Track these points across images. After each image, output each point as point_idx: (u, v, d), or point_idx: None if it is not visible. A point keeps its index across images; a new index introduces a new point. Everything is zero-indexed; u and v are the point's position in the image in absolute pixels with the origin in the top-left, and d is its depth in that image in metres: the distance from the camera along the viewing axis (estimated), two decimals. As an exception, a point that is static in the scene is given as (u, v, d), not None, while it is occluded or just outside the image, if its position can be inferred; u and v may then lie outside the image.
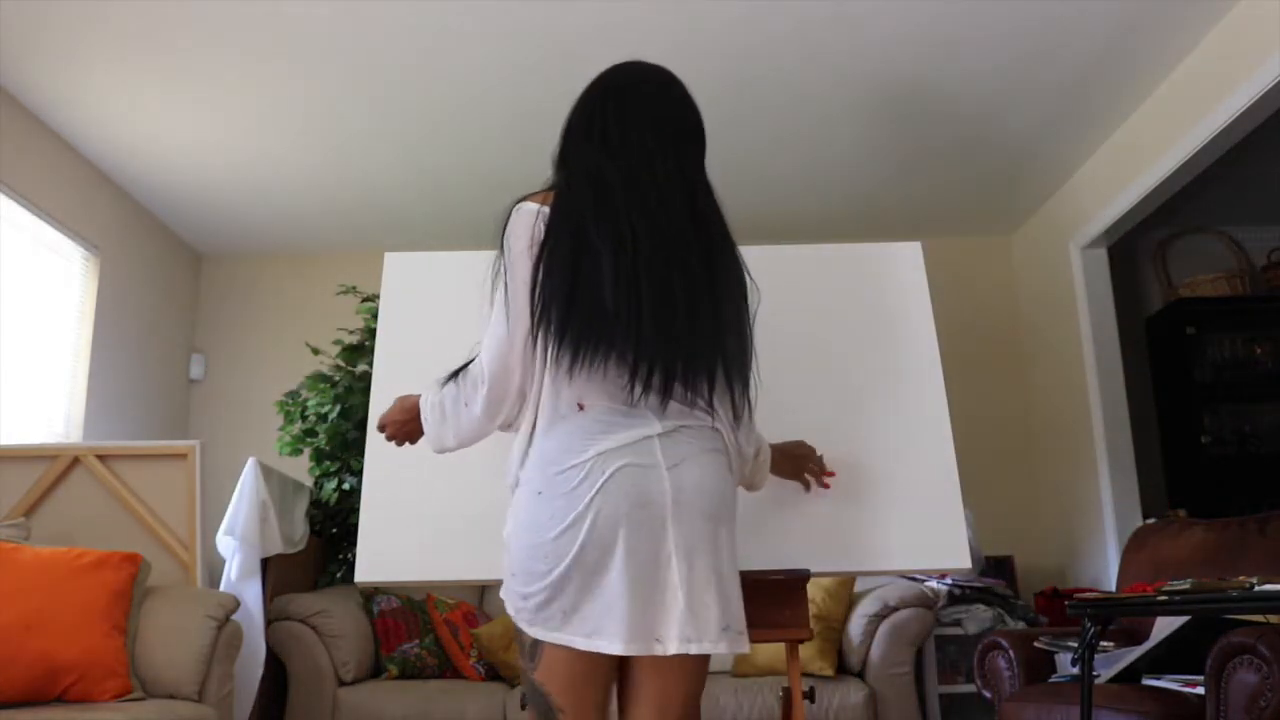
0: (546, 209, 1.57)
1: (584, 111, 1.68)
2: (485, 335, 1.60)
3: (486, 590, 4.07)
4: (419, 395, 1.74)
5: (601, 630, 1.45)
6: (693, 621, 1.45)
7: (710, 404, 1.57)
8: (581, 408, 1.53)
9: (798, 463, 2.01)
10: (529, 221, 1.57)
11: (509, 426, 1.64)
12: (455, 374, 1.67)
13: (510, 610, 1.53)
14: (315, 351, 4.21)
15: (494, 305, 1.59)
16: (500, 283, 1.59)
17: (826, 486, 2.06)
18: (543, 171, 1.73)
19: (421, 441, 1.75)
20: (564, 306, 1.50)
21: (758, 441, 1.78)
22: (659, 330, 1.50)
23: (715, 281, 1.58)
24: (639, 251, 1.52)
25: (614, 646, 1.44)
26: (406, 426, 1.77)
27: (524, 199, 1.62)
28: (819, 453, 2.05)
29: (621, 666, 1.55)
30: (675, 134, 1.65)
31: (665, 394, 1.51)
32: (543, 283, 1.52)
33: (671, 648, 1.45)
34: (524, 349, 1.56)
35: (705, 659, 1.56)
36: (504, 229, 1.60)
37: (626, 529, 1.46)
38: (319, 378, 4.06)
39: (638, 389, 1.50)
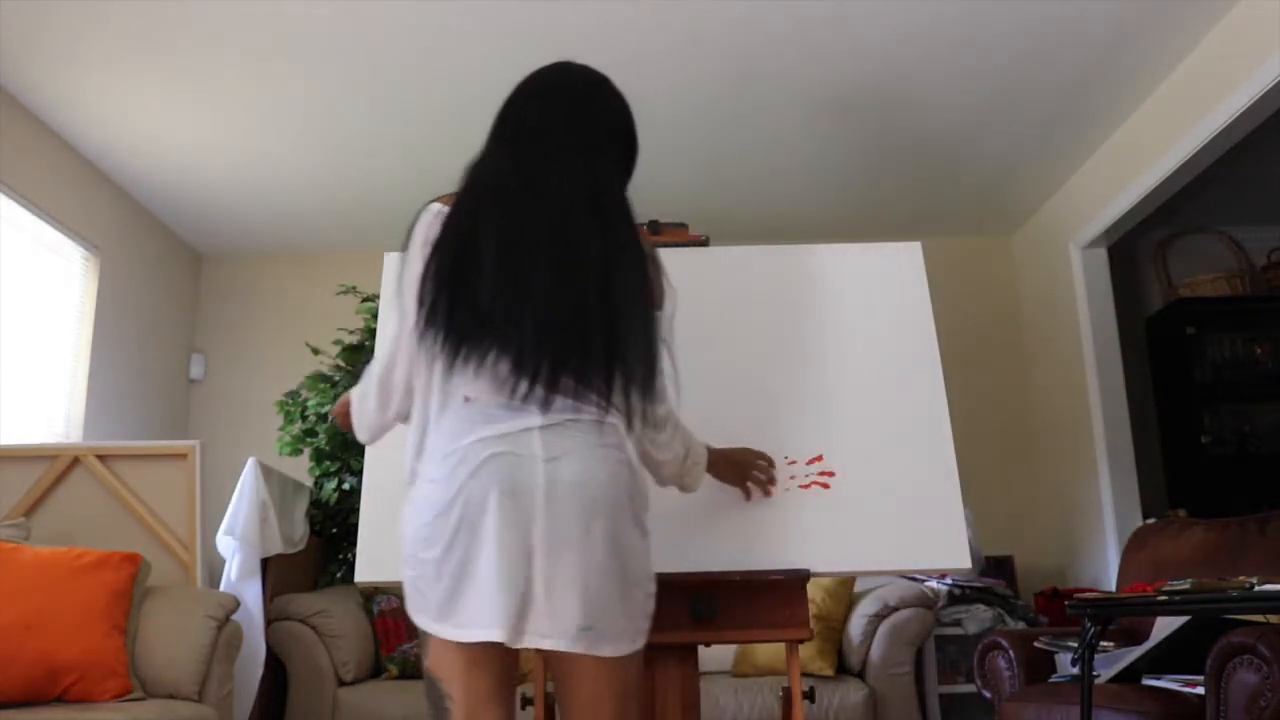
0: (448, 209, 1.60)
1: (504, 112, 1.68)
2: (386, 331, 1.67)
3: (486, 590, 4.06)
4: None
5: (475, 619, 1.44)
6: (550, 616, 1.43)
7: (608, 401, 1.54)
8: (468, 400, 1.53)
9: (740, 469, 1.99)
10: (429, 221, 1.61)
11: (404, 419, 1.65)
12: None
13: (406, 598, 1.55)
14: (315, 351, 4.21)
15: (392, 304, 1.65)
16: (402, 279, 1.63)
17: (768, 494, 2.03)
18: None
19: None
20: (447, 305, 1.52)
21: (686, 442, 1.76)
22: (544, 328, 1.49)
23: (613, 282, 1.55)
24: (529, 251, 1.52)
25: (485, 634, 1.43)
26: (346, 421, 1.82)
27: (435, 199, 1.65)
28: (819, 453, 2.04)
29: (548, 661, 1.54)
30: (593, 134, 1.64)
31: (551, 389, 1.50)
32: (430, 283, 1.54)
33: (529, 641, 1.44)
34: (410, 345, 1.59)
35: (632, 659, 1.53)
36: (411, 228, 1.64)
37: (495, 518, 1.44)
38: (319, 378, 4.06)
39: (522, 385, 1.49)
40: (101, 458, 3.24)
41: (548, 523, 1.45)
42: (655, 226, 2.47)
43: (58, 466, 3.21)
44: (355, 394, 1.73)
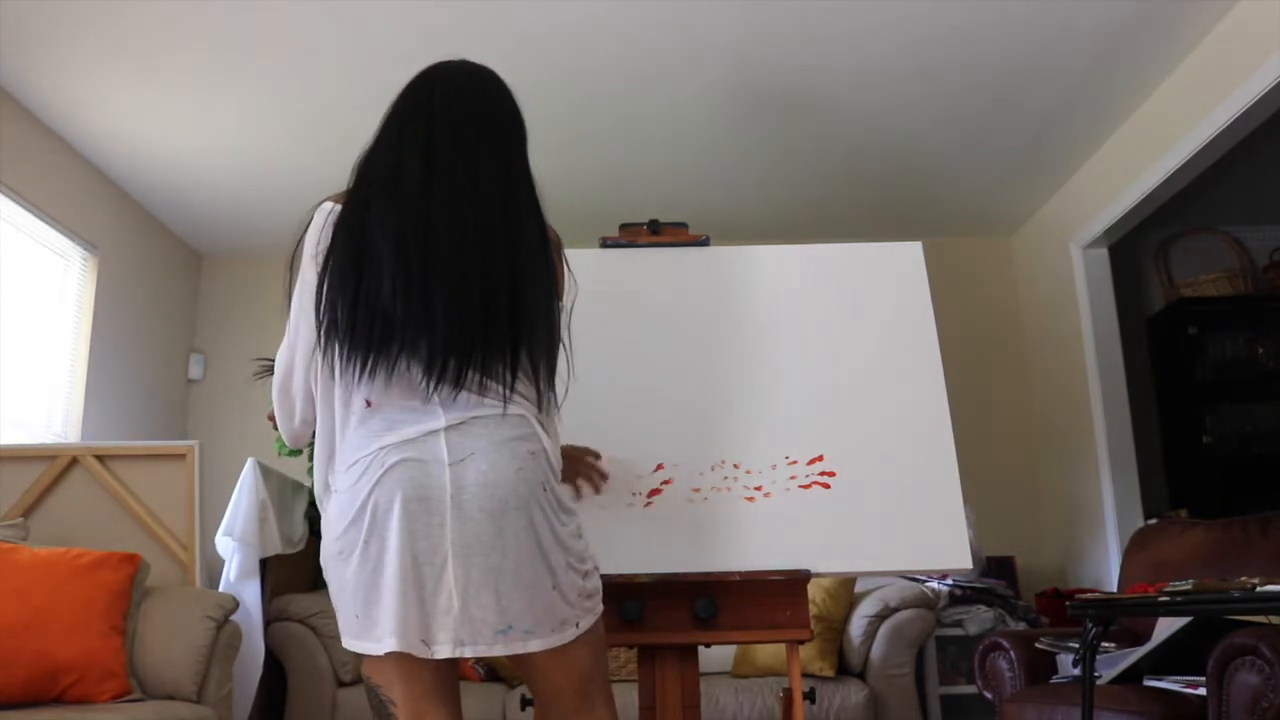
0: (339, 208, 1.56)
1: (393, 110, 1.66)
2: (286, 336, 1.61)
3: (486, 591, 4.06)
4: None
5: (386, 630, 1.42)
6: (467, 624, 1.42)
7: (514, 391, 1.51)
8: (369, 405, 1.50)
9: (571, 464, 1.94)
10: (320, 223, 1.57)
11: (313, 425, 1.62)
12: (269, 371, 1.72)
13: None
14: (315, 351, 4.20)
15: (291, 308, 1.60)
16: (295, 287, 1.59)
17: (598, 491, 2.02)
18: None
19: None
20: (348, 317, 1.47)
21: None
22: (449, 325, 1.46)
23: (518, 270, 1.52)
24: (429, 247, 1.48)
25: (390, 645, 1.42)
26: (274, 420, 1.79)
27: (327, 198, 1.61)
28: (819, 453, 2.03)
29: (515, 658, 1.53)
30: (485, 126, 1.61)
31: (456, 386, 1.47)
32: (326, 293, 1.50)
33: (443, 651, 1.42)
34: (306, 355, 1.56)
35: (583, 640, 1.51)
36: (303, 231, 1.60)
37: (400, 525, 1.42)
38: (318, 378, 4.05)
39: (429, 385, 1.46)
40: (100, 458, 3.24)
41: (457, 527, 1.42)
42: (655, 226, 2.47)
43: (56, 467, 3.20)
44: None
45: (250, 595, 3.32)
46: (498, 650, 1.44)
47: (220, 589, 3.32)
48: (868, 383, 2.23)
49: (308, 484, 4.00)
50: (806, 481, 2.13)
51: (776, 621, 1.99)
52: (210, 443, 3.76)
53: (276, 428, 1.78)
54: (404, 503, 1.42)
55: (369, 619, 1.44)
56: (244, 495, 3.42)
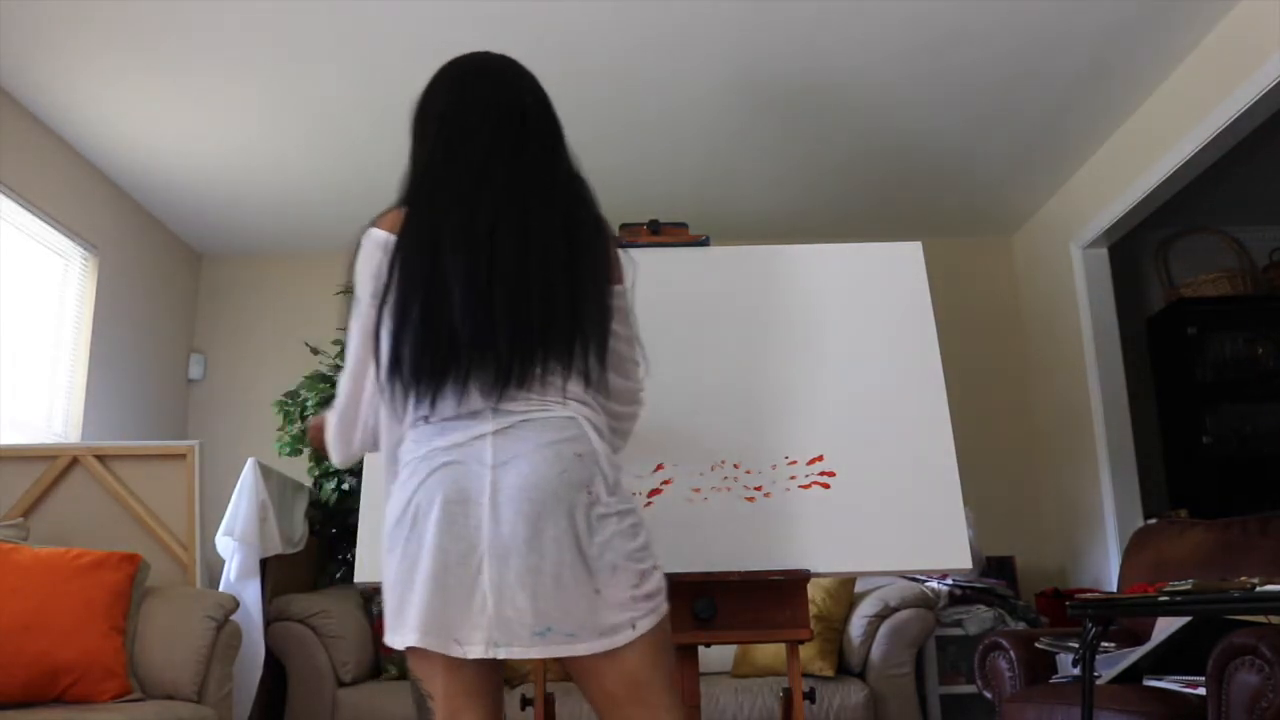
0: (394, 238, 1.55)
1: (425, 116, 1.66)
2: (346, 365, 1.62)
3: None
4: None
5: (415, 626, 1.44)
6: (501, 625, 1.42)
7: (566, 394, 1.52)
8: (427, 419, 1.52)
9: None
10: (377, 257, 1.56)
11: (372, 448, 1.64)
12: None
13: None
14: (315, 351, 4.21)
15: (349, 338, 1.60)
16: (356, 319, 1.58)
17: None
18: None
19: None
20: (415, 352, 1.48)
21: (629, 401, 1.70)
22: (510, 341, 1.48)
23: (577, 263, 1.54)
24: (494, 270, 1.49)
25: (417, 641, 1.43)
26: (319, 440, 1.81)
27: (374, 222, 1.60)
28: (819, 453, 2.04)
29: (564, 662, 1.52)
30: (529, 125, 1.62)
31: (513, 387, 1.49)
32: (392, 328, 1.50)
33: (474, 651, 1.42)
34: (370, 389, 1.57)
35: (641, 644, 1.48)
36: (354, 259, 1.59)
37: (438, 525, 1.43)
38: (318, 378, 4.05)
39: (487, 396, 1.48)
40: (100, 458, 3.24)
41: (493, 529, 1.43)
42: (655, 226, 2.47)
43: (56, 467, 3.20)
44: (327, 420, 1.70)
45: (250, 595, 3.32)
46: (536, 652, 1.43)
47: (220, 589, 3.32)
48: (867, 382, 2.23)
49: (308, 484, 4.00)
50: (806, 481, 2.13)
51: (776, 621, 1.99)
52: (210, 443, 3.76)
53: (313, 444, 1.84)
54: (444, 504, 1.44)
55: (402, 613, 1.46)
56: (244, 495, 3.42)
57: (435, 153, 1.61)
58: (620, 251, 1.65)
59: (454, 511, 1.44)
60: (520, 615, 1.42)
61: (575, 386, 1.53)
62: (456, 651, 1.43)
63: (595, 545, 1.46)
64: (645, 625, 1.48)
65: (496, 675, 1.56)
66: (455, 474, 1.45)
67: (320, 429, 1.77)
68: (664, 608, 1.52)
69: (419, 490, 1.46)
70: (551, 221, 1.54)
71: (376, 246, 1.56)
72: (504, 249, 1.50)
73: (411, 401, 1.50)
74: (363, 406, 1.60)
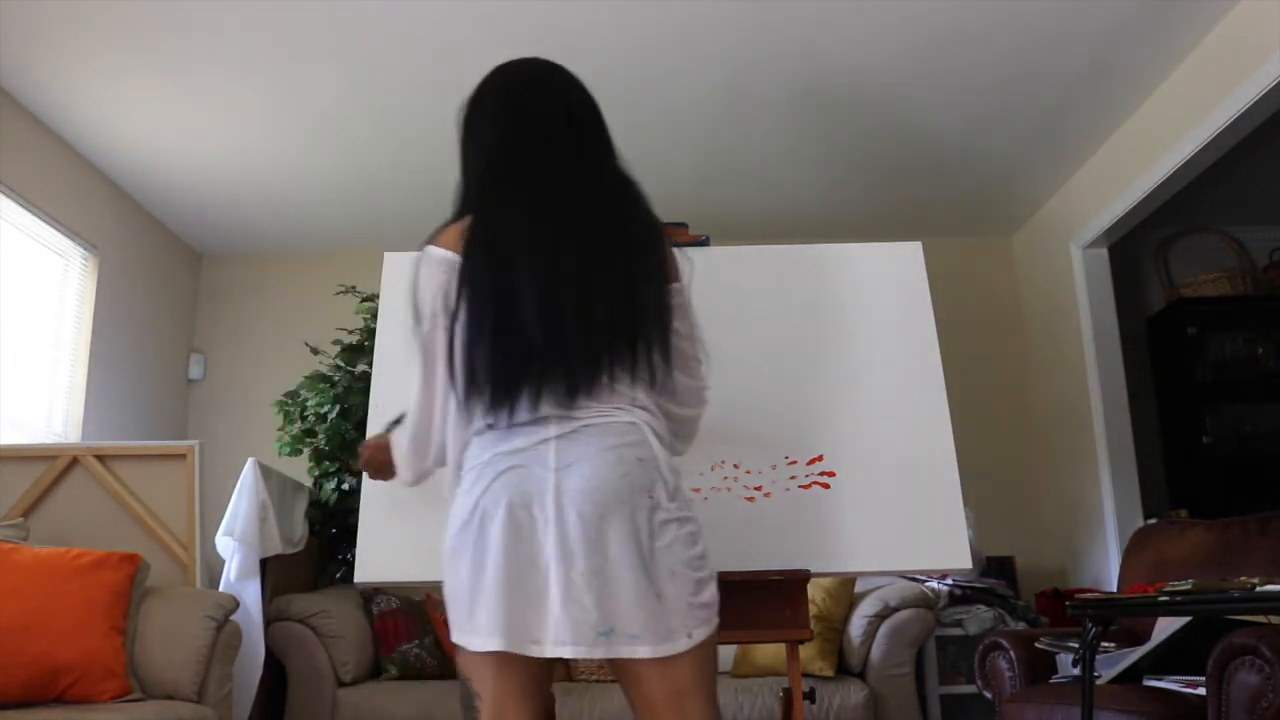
0: (457, 258, 1.56)
1: (478, 124, 1.67)
2: (413, 384, 1.63)
3: (486, 591, 4.05)
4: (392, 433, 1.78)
5: (485, 628, 1.45)
6: (568, 624, 1.43)
7: (629, 399, 1.55)
8: (491, 427, 1.54)
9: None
10: (440, 276, 1.57)
11: (443, 464, 1.66)
12: (397, 420, 1.73)
13: None
14: (315, 351, 4.21)
15: (417, 357, 1.61)
16: (418, 338, 1.60)
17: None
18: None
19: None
20: (491, 363, 1.51)
21: (694, 402, 1.72)
22: (579, 348, 1.51)
23: (634, 264, 1.56)
24: (558, 268, 1.52)
25: (493, 643, 1.44)
26: (378, 458, 1.83)
27: (434, 239, 1.61)
28: (819, 453, 2.04)
29: (612, 663, 1.54)
30: (574, 127, 1.65)
31: (581, 393, 1.51)
32: (465, 345, 1.53)
33: (548, 651, 1.44)
34: (444, 402, 1.60)
35: (691, 654, 1.48)
36: (415, 277, 1.60)
37: (503, 527, 1.45)
38: (318, 378, 4.05)
39: (554, 404, 1.51)
40: (100, 458, 3.24)
41: (559, 531, 1.45)
42: (655, 226, 2.46)
43: (56, 467, 3.20)
44: (394, 440, 1.73)
45: (250, 595, 3.32)
46: (600, 652, 1.44)
47: (220, 589, 3.32)
48: (868, 383, 2.23)
49: (307, 484, 4.00)
50: (806, 481, 2.13)
51: (776, 621, 1.99)
52: (210, 443, 3.75)
53: (360, 466, 1.88)
54: (509, 507, 1.46)
55: (473, 618, 1.47)
56: (244, 495, 3.42)
57: (494, 162, 1.63)
58: (676, 250, 1.67)
59: (519, 515, 1.46)
60: (586, 615, 1.43)
61: (640, 392, 1.56)
62: (534, 651, 1.44)
63: (656, 550, 1.47)
64: (700, 636, 1.49)
65: (549, 679, 1.58)
66: (519, 478, 1.48)
67: (379, 449, 1.80)
68: (716, 620, 1.53)
69: (484, 495, 1.48)
70: (608, 225, 1.57)
71: (440, 265, 1.58)
72: (566, 255, 1.53)
73: (485, 411, 1.52)
74: (435, 424, 1.62)
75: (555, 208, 1.56)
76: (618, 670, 1.54)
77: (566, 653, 1.44)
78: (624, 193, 1.64)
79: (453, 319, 1.54)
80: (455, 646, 1.53)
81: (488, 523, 1.47)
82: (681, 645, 1.47)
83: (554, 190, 1.57)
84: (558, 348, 1.50)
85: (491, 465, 1.50)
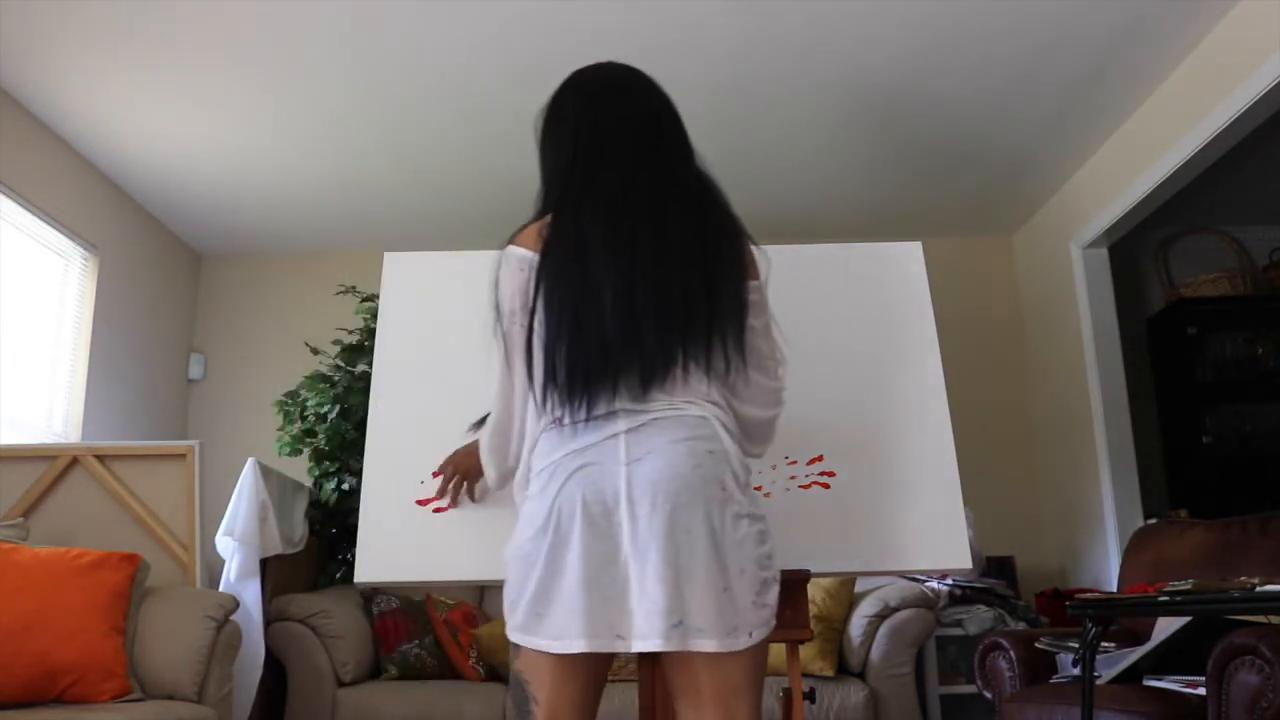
0: (536, 257, 1.58)
1: (560, 127, 1.69)
2: (493, 381, 1.65)
3: (486, 591, 4.06)
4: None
5: (564, 631, 1.45)
6: (643, 617, 1.44)
7: (700, 394, 1.55)
8: (560, 423, 1.54)
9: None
10: (521, 275, 1.58)
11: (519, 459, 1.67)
12: (481, 421, 1.75)
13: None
14: (315, 351, 4.21)
15: (496, 356, 1.63)
16: (499, 336, 1.62)
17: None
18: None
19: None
20: (571, 360, 1.52)
21: (770, 404, 1.72)
22: (655, 345, 1.52)
23: (713, 260, 1.58)
24: (638, 265, 1.53)
25: (572, 646, 1.44)
26: (465, 463, 1.88)
27: (514, 239, 1.63)
28: (819, 453, 2.04)
29: (658, 662, 1.54)
30: (656, 129, 1.68)
31: (655, 388, 1.52)
32: (544, 344, 1.54)
33: (634, 645, 1.44)
34: (524, 399, 1.61)
35: (747, 653, 1.48)
36: (496, 276, 1.62)
37: (582, 527, 1.45)
38: (318, 378, 4.05)
39: (628, 399, 1.51)
40: (100, 458, 3.24)
41: (631, 525, 1.45)
42: (655, 226, 2.46)
43: (56, 467, 3.20)
44: (481, 440, 1.74)
45: (250, 595, 3.32)
46: (673, 644, 1.43)
47: (220, 589, 3.32)
48: (868, 383, 2.23)
49: (307, 484, 4.00)
50: (806, 481, 2.13)
51: (777, 621, 1.99)
52: (210, 443, 3.75)
53: (447, 475, 1.94)
54: (584, 506, 1.46)
55: (545, 620, 1.47)
56: (244, 495, 3.42)
57: (578, 163, 1.63)
58: (754, 248, 1.69)
59: (595, 514, 1.46)
60: (657, 607, 1.43)
61: (712, 388, 1.56)
62: (620, 647, 1.45)
63: (729, 544, 1.47)
64: (759, 636, 1.49)
65: (604, 679, 1.58)
66: (592, 475, 1.48)
67: (469, 454, 1.84)
68: (774, 623, 1.52)
69: (559, 496, 1.48)
70: (689, 223, 1.59)
71: (520, 264, 1.59)
72: (646, 252, 1.54)
73: (557, 405, 1.53)
74: (515, 422, 1.63)
75: (633, 206, 1.57)
76: (668, 658, 1.52)
77: (649, 646, 1.44)
78: (702, 191, 1.66)
79: (531, 316, 1.55)
80: (514, 646, 1.53)
81: (565, 524, 1.46)
82: (743, 643, 1.47)
83: (632, 189, 1.59)
84: (634, 342, 1.51)
85: (563, 466, 1.50)
